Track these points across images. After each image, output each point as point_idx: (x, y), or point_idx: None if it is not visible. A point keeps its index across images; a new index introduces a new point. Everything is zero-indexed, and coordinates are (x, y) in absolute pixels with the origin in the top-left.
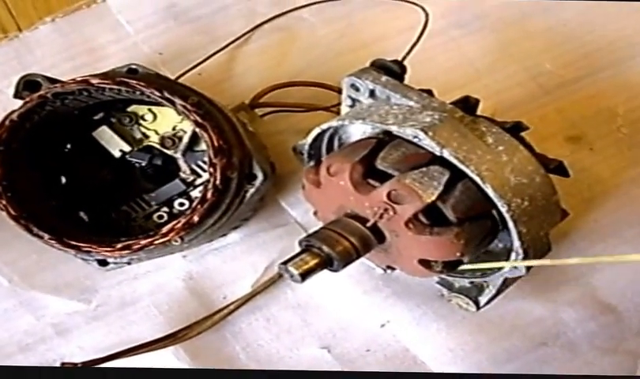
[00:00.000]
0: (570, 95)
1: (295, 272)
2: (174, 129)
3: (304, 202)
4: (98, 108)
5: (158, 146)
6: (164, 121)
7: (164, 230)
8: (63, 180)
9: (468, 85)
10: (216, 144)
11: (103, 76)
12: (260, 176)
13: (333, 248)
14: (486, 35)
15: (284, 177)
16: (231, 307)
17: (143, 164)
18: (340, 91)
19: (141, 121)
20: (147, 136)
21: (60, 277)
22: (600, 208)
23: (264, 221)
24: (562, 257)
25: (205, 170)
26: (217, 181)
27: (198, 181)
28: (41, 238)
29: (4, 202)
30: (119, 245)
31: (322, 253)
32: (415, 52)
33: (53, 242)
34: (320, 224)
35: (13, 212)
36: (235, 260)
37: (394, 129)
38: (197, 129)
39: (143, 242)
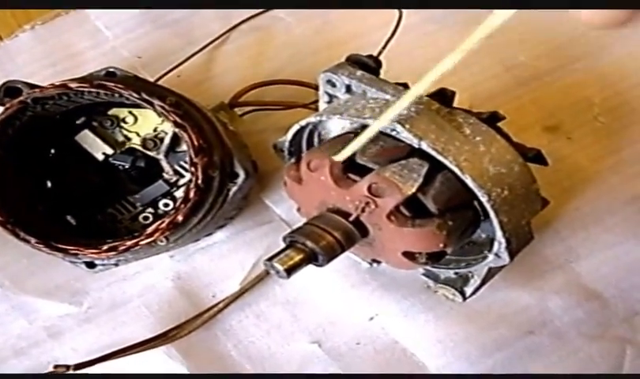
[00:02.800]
0: (546, 86)
1: (281, 268)
2: (155, 130)
3: (288, 199)
4: (79, 112)
5: (140, 148)
6: (145, 123)
7: (149, 230)
8: (49, 185)
9: (443, 79)
10: (196, 143)
11: (82, 80)
12: (242, 174)
13: (317, 243)
14: (460, 29)
15: (266, 175)
16: (221, 305)
17: (126, 166)
18: (317, 88)
19: (122, 124)
20: (129, 139)
21: (51, 281)
22: (581, 197)
23: (249, 219)
24: (546, 247)
25: (187, 171)
26: (199, 181)
27: (181, 181)
28: (28, 242)
29: None
30: (105, 247)
31: (307, 249)
32: (391, 47)
33: (40, 245)
34: (304, 220)
35: None
36: (222, 258)
37: (371, 122)
38: (177, 130)
39: (128, 242)
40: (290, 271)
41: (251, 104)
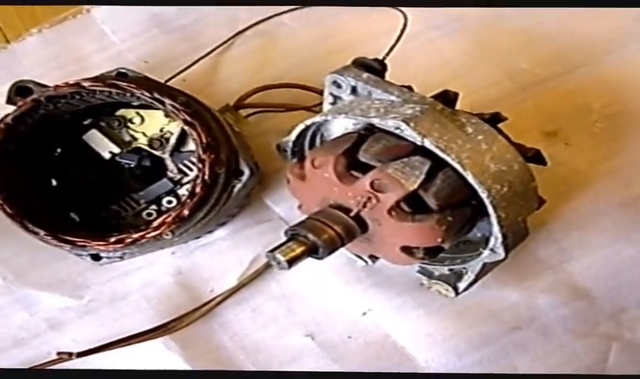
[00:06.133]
0: (546, 92)
1: (282, 259)
2: (161, 130)
3: (287, 199)
4: (87, 113)
5: (146, 147)
6: (152, 124)
7: (156, 224)
8: (54, 182)
9: (446, 85)
10: (204, 140)
11: (95, 79)
12: (247, 172)
13: (319, 236)
14: (463, 36)
15: (267, 176)
16: (218, 299)
17: (132, 165)
18: (320, 93)
19: (129, 124)
20: (135, 139)
21: (53, 274)
22: (577, 199)
23: (249, 217)
24: (539, 246)
25: (191, 169)
26: (206, 177)
27: (185, 179)
28: (36, 234)
29: (0, 201)
30: (112, 239)
31: (308, 241)
32: (395, 54)
33: (48, 237)
34: (304, 218)
35: (9, 210)
36: (221, 254)
37: (376, 121)
38: (186, 127)
39: (135, 235)
40: (291, 262)
41: (256, 106)
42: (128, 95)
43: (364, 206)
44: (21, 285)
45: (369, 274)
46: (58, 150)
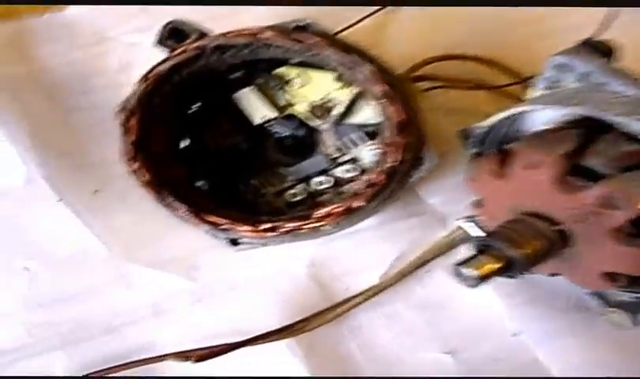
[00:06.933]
0: None
1: (473, 275)
2: (323, 98)
3: (443, 192)
4: (239, 66)
5: (301, 116)
6: (315, 88)
7: (320, 213)
8: (186, 143)
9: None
10: (400, 119)
11: (276, 30)
12: (430, 160)
13: (518, 250)
14: None
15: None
16: (357, 299)
17: (285, 134)
18: (511, 72)
19: (288, 87)
20: (292, 104)
21: (165, 251)
22: None
23: (399, 208)
24: None
25: (349, 147)
26: (393, 164)
27: (343, 158)
28: (175, 210)
29: (137, 165)
30: (263, 227)
31: (505, 256)
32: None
33: (188, 216)
34: (460, 216)
35: (146, 177)
36: (364, 247)
37: (619, 120)
38: (383, 101)
39: (291, 224)
40: (483, 279)
41: (431, 79)
42: (310, 53)
43: (582, 221)
44: (127, 260)
45: (523, 289)
46: (196, 106)
